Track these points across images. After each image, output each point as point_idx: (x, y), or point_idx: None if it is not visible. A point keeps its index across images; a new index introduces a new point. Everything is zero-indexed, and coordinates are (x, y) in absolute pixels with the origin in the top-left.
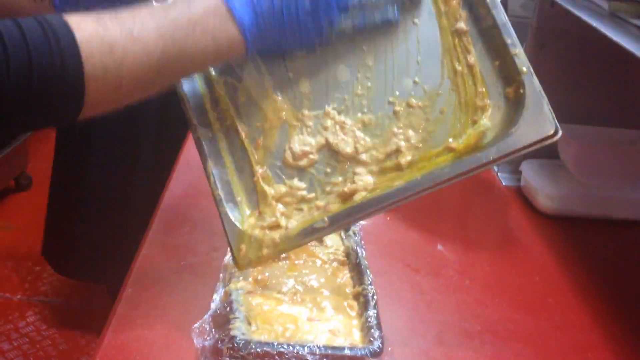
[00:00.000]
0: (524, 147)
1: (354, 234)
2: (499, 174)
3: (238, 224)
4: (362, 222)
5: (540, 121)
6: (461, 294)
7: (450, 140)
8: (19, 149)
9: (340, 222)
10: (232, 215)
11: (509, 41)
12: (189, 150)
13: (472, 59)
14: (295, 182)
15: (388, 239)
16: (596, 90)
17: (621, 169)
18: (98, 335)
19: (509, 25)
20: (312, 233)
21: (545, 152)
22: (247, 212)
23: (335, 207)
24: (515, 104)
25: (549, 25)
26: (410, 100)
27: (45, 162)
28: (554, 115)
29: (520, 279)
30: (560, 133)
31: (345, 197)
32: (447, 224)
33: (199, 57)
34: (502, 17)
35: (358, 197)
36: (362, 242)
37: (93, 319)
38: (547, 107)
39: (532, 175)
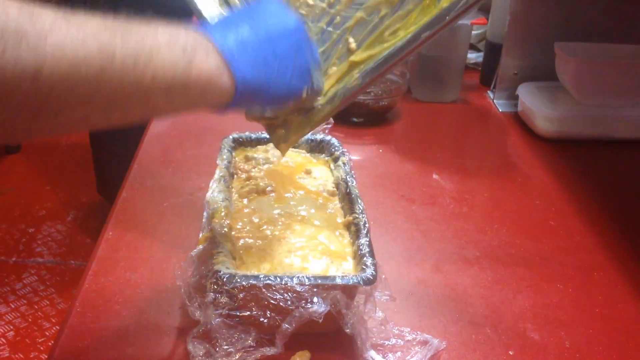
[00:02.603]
0: None
1: (343, 164)
2: (495, 100)
3: None
4: (353, 157)
5: None
6: (459, 222)
7: None
8: None
9: (371, 75)
10: None
11: None
12: None
13: None
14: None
15: (381, 171)
16: (594, 6)
17: (621, 85)
18: None
19: None
20: (344, 94)
21: (543, 75)
22: None
23: (361, 57)
24: None
25: None
26: None
27: None
28: None
29: (520, 203)
30: None
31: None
32: (443, 154)
33: (160, 75)
34: None
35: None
36: (352, 171)
37: None
38: None
39: (529, 99)
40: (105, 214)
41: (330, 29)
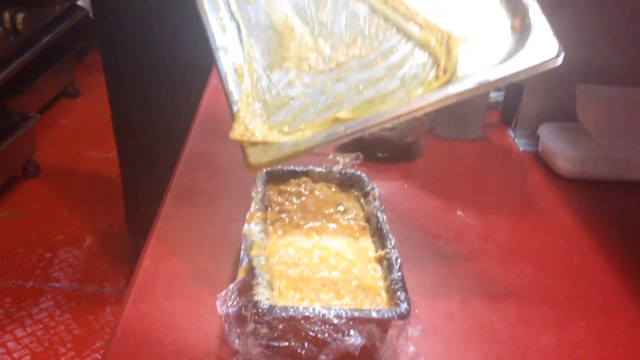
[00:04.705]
0: (527, 70)
1: (374, 199)
2: (515, 139)
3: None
4: (380, 191)
5: (545, 45)
6: (484, 259)
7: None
8: (26, 136)
9: (351, 130)
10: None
11: None
12: (203, 119)
13: None
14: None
15: (407, 206)
16: (617, 48)
17: None
18: (112, 320)
19: None
20: (324, 139)
21: (564, 115)
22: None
23: (346, 116)
24: (521, 34)
25: None
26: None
27: (52, 149)
28: (558, 40)
29: (543, 242)
30: (562, 55)
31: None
32: (466, 191)
33: None
34: None
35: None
36: (382, 207)
37: (107, 303)
38: (552, 33)
39: (550, 139)
40: (122, 241)
41: (325, 83)
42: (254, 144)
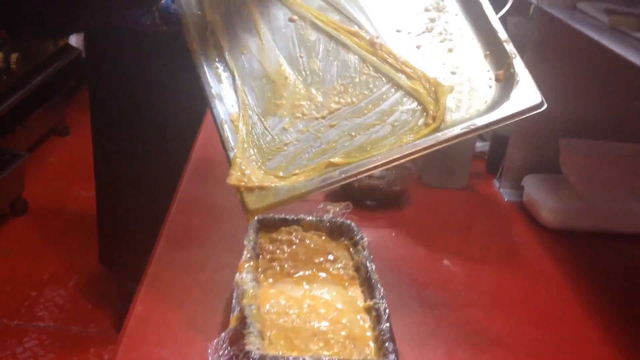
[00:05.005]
0: (511, 116)
1: (363, 248)
2: (500, 189)
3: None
4: (369, 239)
5: (529, 95)
6: (470, 308)
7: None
8: (16, 174)
9: (345, 174)
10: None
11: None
12: (196, 163)
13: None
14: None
15: (395, 254)
16: (598, 104)
17: (624, 182)
18: None
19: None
20: (323, 182)
21: (547, 167)
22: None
23: (339, 161)
24: (505, 84)
25: (548, 40)
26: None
27: (40, 187)
28: (540, 91)
29: (527, 292)
30: (545, 105)
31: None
32: (452, 240)
33: None
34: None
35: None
36: (371, 256)
37: (91, 344)
38: (534, 84)
39: (534, 190)
40: (107, 281)
41: (318, 129)
42: (251, 189)
